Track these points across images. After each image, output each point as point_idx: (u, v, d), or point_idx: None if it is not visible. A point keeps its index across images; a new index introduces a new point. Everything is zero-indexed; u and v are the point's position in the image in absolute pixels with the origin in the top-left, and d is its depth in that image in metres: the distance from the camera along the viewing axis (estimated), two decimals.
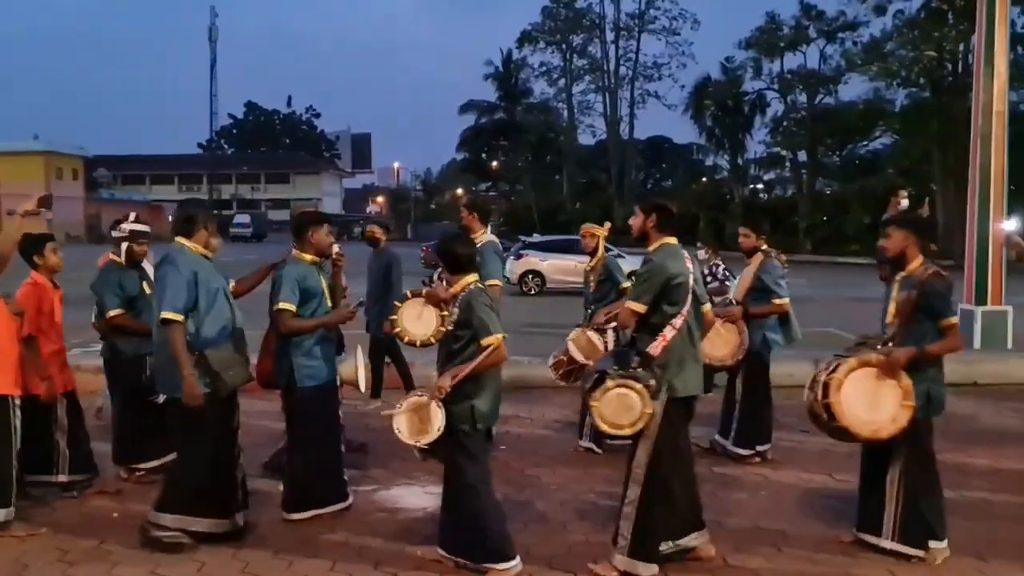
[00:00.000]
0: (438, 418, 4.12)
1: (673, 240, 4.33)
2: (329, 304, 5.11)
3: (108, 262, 5.67)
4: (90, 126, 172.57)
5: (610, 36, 52.45)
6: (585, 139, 58.41)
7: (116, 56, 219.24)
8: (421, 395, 4.21)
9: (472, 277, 4.31)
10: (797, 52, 41.30)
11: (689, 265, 4.29)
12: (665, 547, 4.27)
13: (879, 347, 4.31)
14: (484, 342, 4.10)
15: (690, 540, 4.37)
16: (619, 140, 53.27)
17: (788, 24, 40.71)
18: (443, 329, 6.08)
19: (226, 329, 4.60)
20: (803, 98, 41.84)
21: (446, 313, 6.06)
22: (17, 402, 4.68)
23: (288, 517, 4.91)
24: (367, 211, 75.53)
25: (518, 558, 4.21)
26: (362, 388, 5.51)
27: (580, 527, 4.91)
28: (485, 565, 4.16)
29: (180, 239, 4.66)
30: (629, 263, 22.12)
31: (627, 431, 4.11)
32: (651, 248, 4.33)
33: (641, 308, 4.18)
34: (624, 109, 53.22)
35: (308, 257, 5.07)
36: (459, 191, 73.77)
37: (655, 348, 4.15)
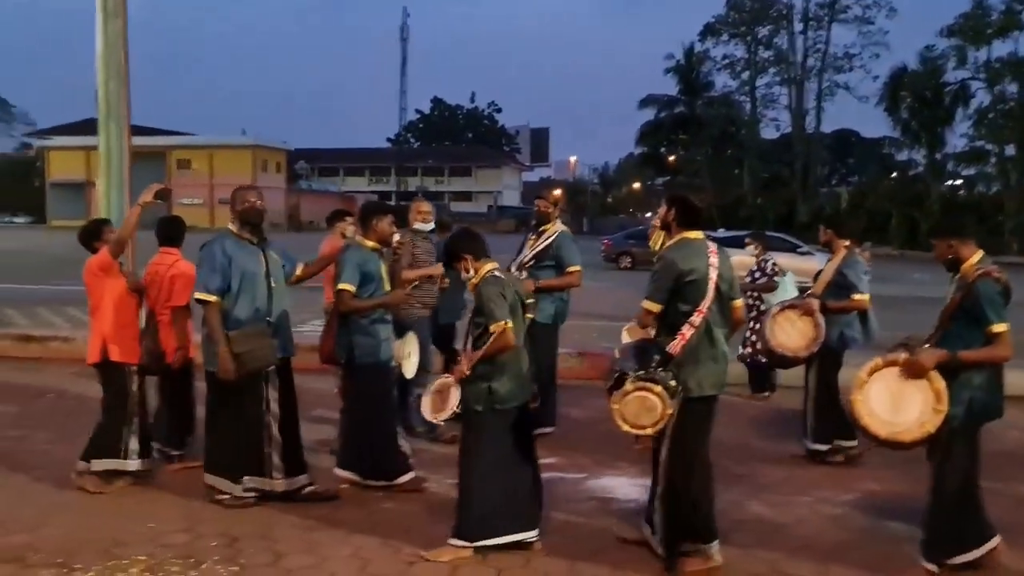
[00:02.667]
0: (454, 398, 4.45)
1: (695, 235, 4.27)
2: (387, 288, 5.45)
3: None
4: (288, 121, 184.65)
5: (798, 26, 50.48)
6: (768, 133, 56.62)
7: (312, 54, 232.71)
8: (448, 378, 4.53)
9: (490, 266, 4.52)
10: (1007, 39, 38.25)
11: (713, 260, 4.19)
12: (685, 547, 4.28)
13: (918, 349, 4.11)
14: (491, 328, 4.31)
15: (710, 547, 4.32)
16: (804, 134, 51.21)
17: (997, 9, 37.76)
18: (529, 316, 6.35)
19: (259, 312, 4.97)
20: (1013, 88, 38.66)
21: (531, 302, 6.40)
22: (134, 369, 5.35)
23: (345, 475, 5.35)
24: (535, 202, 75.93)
25: (485, 542, 4.35)
26: (408, 374, 5.59)
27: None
28: (450, 539, 4.40)
29: (229, 225, 5.12)
30: (818, 261, 21.61)
31: (649, 431, 4.09)
32: (670, 243, 4.33)
33: (655, 307, 4.16)
34: (811, 101, 51.12)
35: (370, 243, 5.43)
36: (636, 185, 73.52)
37: (675, 347, 4.11)
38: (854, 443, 6.04)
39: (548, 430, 6.71)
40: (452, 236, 4.79)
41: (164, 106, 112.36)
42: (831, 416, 6.08)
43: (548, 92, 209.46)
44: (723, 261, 4.25)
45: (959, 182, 45.50)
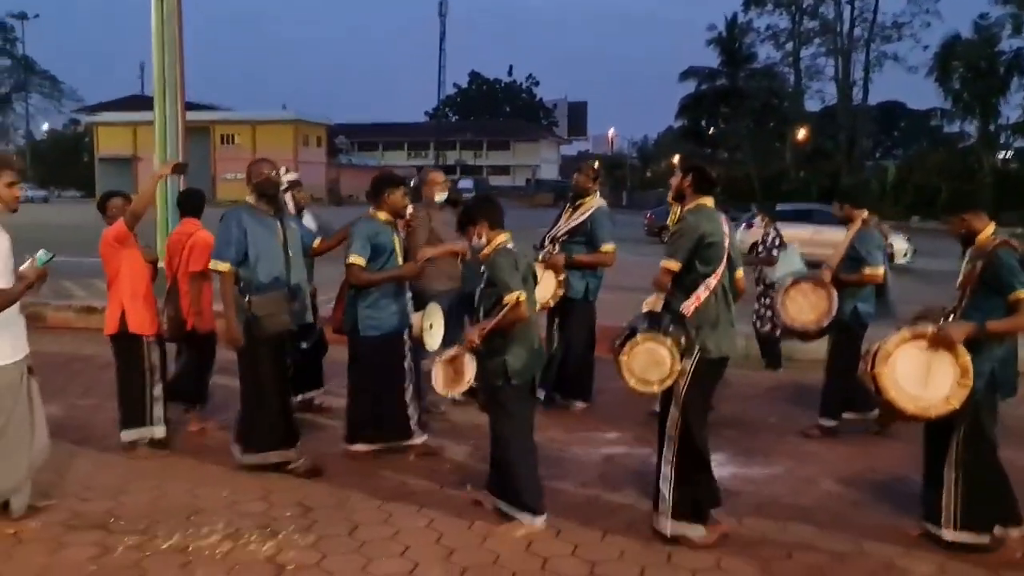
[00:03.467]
0: (470, 371, 4.43)
1: (709, 201, 4.36)
2: (400, 261, 5.46)
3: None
4: (328, 96, 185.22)
5: None
6: (812, 105, 55.50)
7: (352, 29, 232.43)
8: (457, 349, 4.50)
9: (503, 237, 4.51)
10: None
11: (725, 227, 4.30)
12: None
13: (939, 321, 4.09)
14: (505, 300, 4.31)
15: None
16: (850, 105, 50.14)
17: None
18: (560, 292, 6.36)
19: (279, 280, 5.08)
20: None
21: (562, 277, 6.29)
22: (151, 340, 5.49)
23: (346, 448, 5.52)
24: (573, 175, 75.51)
25: (544, 515, 4.48)
26: (430, 347, 5.53)
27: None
28: (516, 514, 4.48)
29: (247, 198, 5.22)
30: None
31: (656, 388, 4.12)
32: (687, 207, 4.39)
33: (675, 266, 4.22)
34: (858, 72, 49.95)
35: (382, 216, 5.44)
36: (675, 158, 72.57)
37: (688, 307, 4.17)
38: (873, 412, 6.06)
39: (582, 404, 6.77)
40: (471, 200, 4.82)
41: (206, 81, 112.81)
42: (841, 391, 6.09)
43: (586, 65, 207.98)
44: (730, 229, 4.37)
45: (1010, 155, 44.10)
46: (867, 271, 5.96)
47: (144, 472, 5.34)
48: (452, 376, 4.54)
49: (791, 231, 20.55)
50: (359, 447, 5.54)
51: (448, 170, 74.85)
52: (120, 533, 4.44)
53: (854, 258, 6.00)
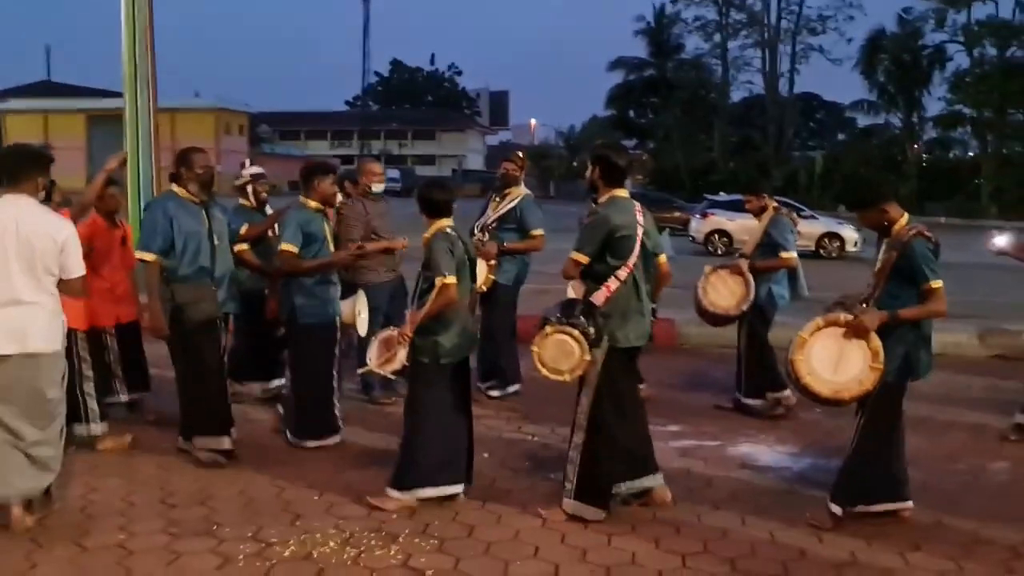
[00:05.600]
0: (402, 353, 4.50)
1: (623, 192, 4.41)
2: (331, 249, 5.48)
3: (237, 206, 6.21)
4: (242, 82, 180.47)
5: None
6: (739, 96, 56.58)
7: (265, 12, 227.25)
8: (393, 331, 4.60)
9: (445, 222, 4.54)
10: (987, 1, 38.57)
11: (640, 218, 4.34)
12: (617, 490, 4.40)
13: (855, 308, 4.23)
14: (435, 283, 4.34)
15: (644, 482, 4.47)
16: (777, 97, 51.28)
17: None
18: (491, 278, 6.42)
19: (203, 269, 4.99)
20: (992, 51, 39.05)
21: (493, 263, 6.40)
22: (80, 334, 5.22)
23: (291, 440, 5.40)
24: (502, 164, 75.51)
25: (422, 492, 4.40)
26: (362, 332, 5.64)
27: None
28: (388, 489, 4.44)
29: (172, 185, 5.10)
30: (823, 224, 21.66)
31: (566, 376, 4.20)
32: (600, 200, 4.42)
33: (583, 259, 4.28)
34: (785, 65, 51.13)
35: (313, 204, 5.44)
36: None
37: (598, 298, 4.24)
38: (787, 392, 6.21)
39: (515, 388, 6.71)
40: (428, 185, 4.75)
41: (114, 68, 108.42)
42: (761, 371, 6.33)
43: (509, 54, 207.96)
44: (647, 218, 4.41)
45: (935, 146, 45.73)
46: (782, 255, 6.24)
47: (219, 473, 4.94)
48: (386, 354, 4.59)
49: (750, 221, 21.02)
50: (310, 443, 5.38)
51: (373, 160, 73.75)
52: (232, 540, 4.03)
53: (769, 244, 6.27)
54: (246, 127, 65.65)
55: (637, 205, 4.39)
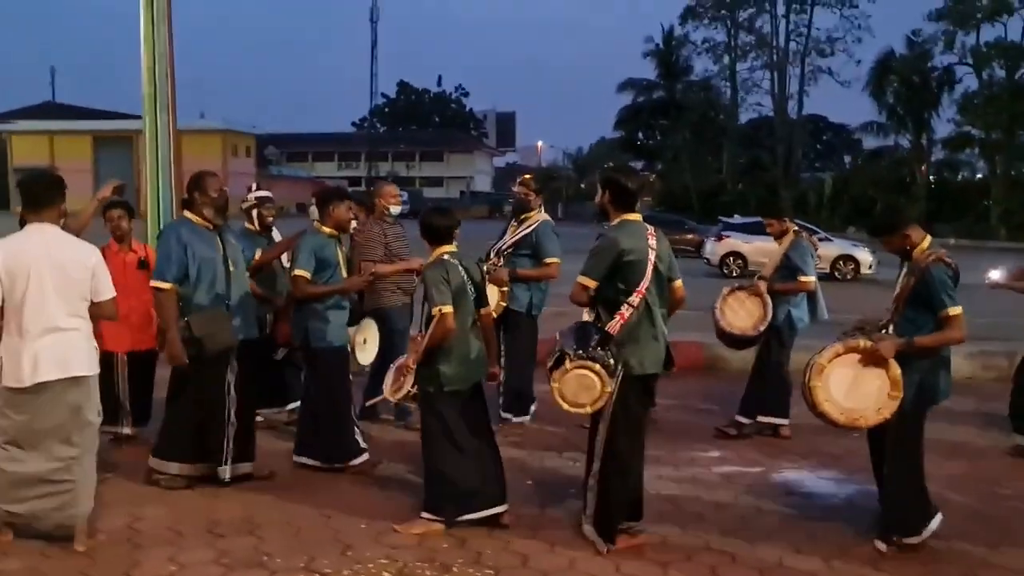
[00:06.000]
0: (408, 380, 4.53)
1: (634, 216, 4.33)
2: (344, 274, 5.46)
3: (242, 229, 6.13)
4: (249, 105, 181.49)
5: (781, 10, 50.37)
6: (748, 117, 56.67)
7: (272, 35, 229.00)
8: (404, 359, 4.62)
9: (445, 249, 4.55)
10: (996, 23, 38.61)
11: (652, 242, 4.26)
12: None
13: (874, 334, 4.22)
14: (432, 312, 4.35)
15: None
16: (786, 119, 51.38)
17: None
18: (503, 304, 6.36)
19: (219, 296, 4.92)
20: (1001, 73, 39.07)
21: (505, 290, 6.34)
22: None
23: (296, 459, 5.41)
24: (513, 189, 75.70)
25: (459, 518, 4.40)
26: (362, 362, 5.61)
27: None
28: (422, 514, 4.45)
29: (185, 211, 5.05)
30: (838, 246, 21.57)
31: (588, 409, 4.15)
32: (611, 224, 4.37)
33: (591, 283, 4.21)
34: (794, 86, 51.27)
35: (327, 230, 5.42)
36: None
37: (613, 327, 4.17)
38: (785, 421, 6.30)
39: (523, 419, 6.56)
40: (430, 212, 4.73)
41: (123, 90, 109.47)
42: (763, 393, 6.35)
43: (517, 76, 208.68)
44: (660, 242, 4.32)
45: (944, 168, 45.69)
46: (801, 279, 6.25)
47: (263, 503, 4.85)
48: (396, 383, 4.63)
49: (766, 244, 21.01)
50: (305, 459, 5.42)
51: (380, 181, 73.98)
52: (285, 572, 3.97)
53: (788, 267, 6.28)
54: (253, 149, 65.79)
55: (650, 229, 4.33)
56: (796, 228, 6.43)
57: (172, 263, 4.83)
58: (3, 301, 3.91)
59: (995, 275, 6.35)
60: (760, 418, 6.36)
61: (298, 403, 6.00)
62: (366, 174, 74.52)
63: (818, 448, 6.08)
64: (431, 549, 4.24)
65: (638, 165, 59.84)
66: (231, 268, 5.02)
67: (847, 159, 61.19)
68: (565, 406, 4.14)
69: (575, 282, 4.25)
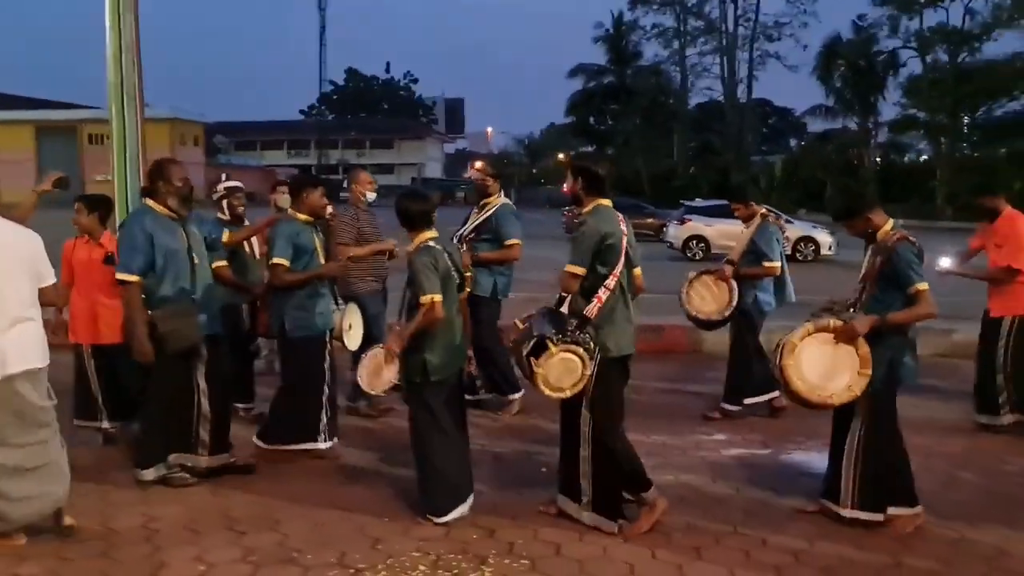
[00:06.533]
0: (390, 370, 4.48)
1: (606, 201, 4.40)
2: (321, 260, 5.40)
3: (215, 219, 6.08)
4: (197, 92, 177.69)
5: None
6: (698, 102, 57.17)
7: (216, 20, 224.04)
8: (381, 348, 4.55)
9: (427, 235, 4.50)
10: (938, 8, 39.43)
11: (622, 227, 4.35)
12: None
13: (843, 313, 4.29)
14: (420, 301, 4.30)
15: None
16: (736, 103, 51.92)
17: None
18: (467, 289, 6.23)
19: (184, 290, 4.79)
20: (944, 57, 39.95)
21: (469, 275, 6.10)
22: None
23: (257, 443, 5.33)
24: (466, 176, 75.71)
25: (454, 514, 4.37)
26: (351, 347, 5.58)
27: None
28: (429, 517, 4.38)
29: (146, 199, 4.87)
30: (800, 227, 21.85)
31: (568, 393, 4.18)
32: (584, 210, 4.41)
33: (581, 271, 4.25)
34: (743, 71, 51.83)
35: (302, 216, 5.38)
36: (561, 155, 73.33)
37: (591, 310, 4.20)
38: (775, 393, 6.32)
39: (516, 395, 6.58)
40: (405, 196, 4.65)
41: (72, 79, 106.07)
42: (745, 377, 6.40)
43: (465, 62, 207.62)
44: (628, 228, 4.41)
45: (891, 150, 46.57)
46: (766, 264, 6.30)
47: (281, 497, 4.74)
48: (376, 374, 4.57)
49: (727, 227, 21.21)
50: (273, 447, 5.34)
51: (331, 169, 73.22)
52: (318, 567, 3.89)
53: (754, 252, 6.33)
54: (202, 138, 64.53)
55: (620, 215, 4.40)
56: (764, 212, 6.49)
57: (137, 254, 4.64)
58: None
59: (945, 263, 6.45)
60: (748, 400, 6.43)
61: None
62: (316, 162, 73.59)
63: (818, 430, 6.07)
64: (461, 541, 4.18)
65: (589, 150, 60.14)
66: (195, 260, 4.88)
67: (792, 142, 62.08)
68: (547, 391, 4.14)
69: (564, 272, 4.26)
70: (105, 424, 5.58)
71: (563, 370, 4.09)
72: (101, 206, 5.68)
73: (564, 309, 4.29)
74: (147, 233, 4.66)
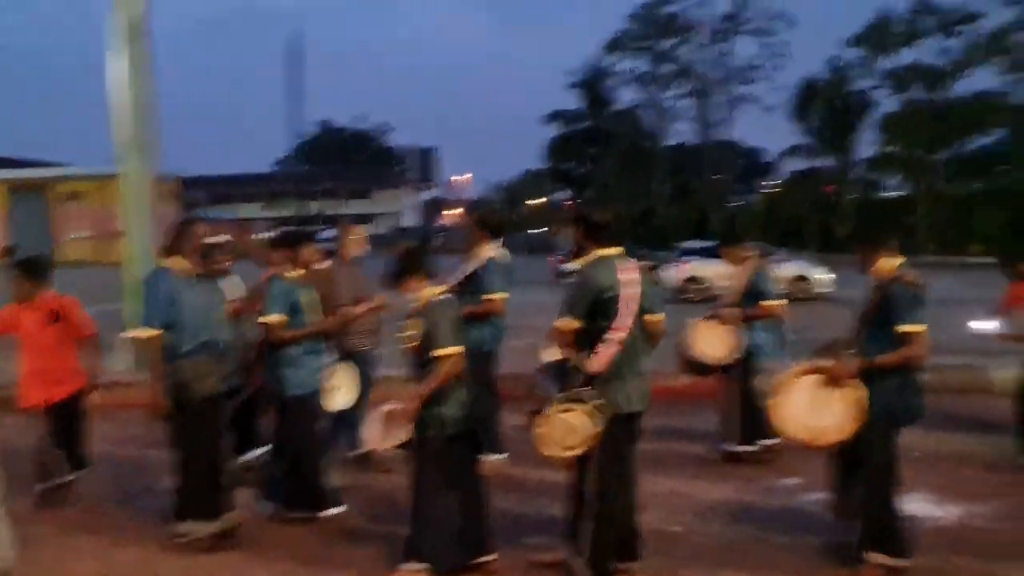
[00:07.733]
0: (404, 429, 4.38)
1: (608, 251, 4.26)
2: (311, 317, 5.39)
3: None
4: (168, 148, 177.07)
5: (703, 40, 51.64)
6: (676, 142, 57.74)
7: (184, 76, 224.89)
8: (396, 405, 4.42)
9: (439, 288, 4.52)
10: (912, 47, 40.19)
11: (628, 276, 4.19)
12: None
13: (843, 352, 4.31)
14: (441, 354, 4.24)
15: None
16: (709, 144, 52.50)
17: (904, 19, 39.78)
18: None
19: (207, 344, 4.95)
20: (919, 94, 40.66)
21: None
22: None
23: (259, 505, 5.39)
24: (439, 224, 75.81)
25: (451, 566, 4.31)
26: (333, 407, 5.53)
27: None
28: (407, 564, 4.34)
29: (163, 260, 5.06)
30: (796, 265, 21.77)
31: (578, 451, 4.08)
32: (581, 261, 4.34)
33: (572, 324, 4.15)
34: (719, 113, 52.46)
35: (293, 274, 5.43)
36: (539, 200, 73.81)
37: (597, 364, 4.10)
38: (777, 440, 6.25)
39: (497, 457, 6.36)
40: (402, 253, 4.66)
41: (43, 139, 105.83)
42: (756, 418, 6.28)
43: (442, 112, 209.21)
44: (644, 276, 4.28)
45: (868, 187, 47.08)
46: (765, 305, 6.34)
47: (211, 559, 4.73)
48: (385, 431, 4.47)
49: (715, 268, 21.10)
50: (272, 505, 5.38)
51: (310, 221, 72.88)
52: None
53: (752, 294, 6.36)
54: (178, 192, 64.06)
55: (630, 263, 4.24)
56: (758, 253, 6.57)
57: (157, 311, 4.82)
58: None
59: (980, 326, 6.61)
60: (760, 442, 6.40)
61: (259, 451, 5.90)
62: (294, 214, 73.27)
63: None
64: None
65: (565, 195, 60.55)
66: (213, 316, 5.05)
67: (769, 182, 62.74)
68: (555, 452, 4.05)
69: (554, 327, 4.17)
70: (69, 477, 5.66)
71: (567, 429, 3.99)
72: (38, 271, 5.74)
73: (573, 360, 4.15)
74: (167, 290, 4.83)
